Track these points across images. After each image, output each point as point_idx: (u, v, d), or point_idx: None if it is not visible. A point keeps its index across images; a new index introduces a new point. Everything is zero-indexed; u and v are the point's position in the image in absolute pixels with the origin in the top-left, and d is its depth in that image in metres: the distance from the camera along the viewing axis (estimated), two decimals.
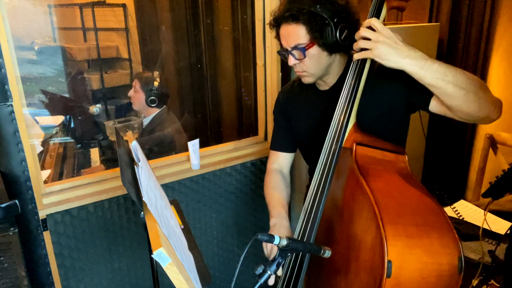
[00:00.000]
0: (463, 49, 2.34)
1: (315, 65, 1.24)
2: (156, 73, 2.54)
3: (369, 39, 1.03)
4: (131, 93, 2.55)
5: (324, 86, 1.35)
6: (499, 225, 1.62)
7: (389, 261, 0.93)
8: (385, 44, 1.01)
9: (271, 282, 1.11)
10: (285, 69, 2.14)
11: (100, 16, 3.97)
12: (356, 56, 1.09)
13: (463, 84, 1.01)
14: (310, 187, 1.20)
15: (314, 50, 1.21)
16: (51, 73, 3.55)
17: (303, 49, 1.20)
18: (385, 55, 1.02)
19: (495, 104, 1.09)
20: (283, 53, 1.27)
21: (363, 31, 1.05)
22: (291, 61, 1.24)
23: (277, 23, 1.25)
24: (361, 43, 1.05)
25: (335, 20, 1.16)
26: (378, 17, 1.16)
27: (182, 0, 3.18)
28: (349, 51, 1.28)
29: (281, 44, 1.27)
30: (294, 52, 1.23)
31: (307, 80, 1.30)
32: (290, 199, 1.77)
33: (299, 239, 1.18)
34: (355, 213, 1.05)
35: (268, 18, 1.31)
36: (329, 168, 1.15)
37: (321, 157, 1.19)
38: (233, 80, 2.98)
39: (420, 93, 1.14)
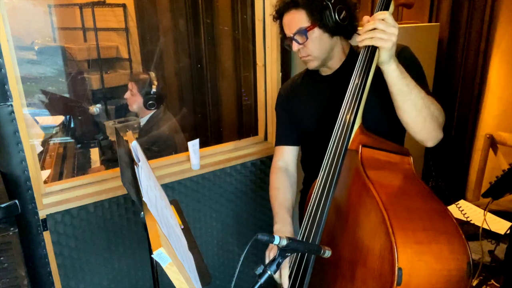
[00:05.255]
0: (463, 49, 2.34)
1: (318, 48, 1.27)
2: (152, 75, 2.49)
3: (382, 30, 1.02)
4: (127, 95, 2.52)
5: (328, 71, 1.37)
6: (499, 225, 1.62)
7: (400, 269, 0.90)
8: (395, 40, 1.02)
9: (285, 285, 1.12)
10: (285, 69, 2.13)
11: (100, 16, 3.96)
12: (366, 42, 1.05)
13: (419, 107, 1.09)
14: (314, 190, 1.16)
15: (316, 33, 1.24)
16: (51, 73, 3.55)
17: (305, 31, 1.23)
18: (391, 50, 1.02)
19: (436, 136, 1.16)
20: (288, 43, 1.31)
21: (378, 23, 1.01)
22: (295, 46, 1.28)
23: (279, 14, 1.29)
24: (376, 33, 1.01)
25: (333, 1, 1.20)
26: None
27: (182, 0, 3.18)
28: (350, 36, 1.32)
29: (285, 35, 1.31)
30: (297, 37, 1.26)
31: (312, 64, 1.32)
32: None
33: None
34: (362, 217, 1.02)
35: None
36: (334, 171, 1.10)
37: (325, 158, 1.15)
38: (233, 80, 2.98)
39: None
